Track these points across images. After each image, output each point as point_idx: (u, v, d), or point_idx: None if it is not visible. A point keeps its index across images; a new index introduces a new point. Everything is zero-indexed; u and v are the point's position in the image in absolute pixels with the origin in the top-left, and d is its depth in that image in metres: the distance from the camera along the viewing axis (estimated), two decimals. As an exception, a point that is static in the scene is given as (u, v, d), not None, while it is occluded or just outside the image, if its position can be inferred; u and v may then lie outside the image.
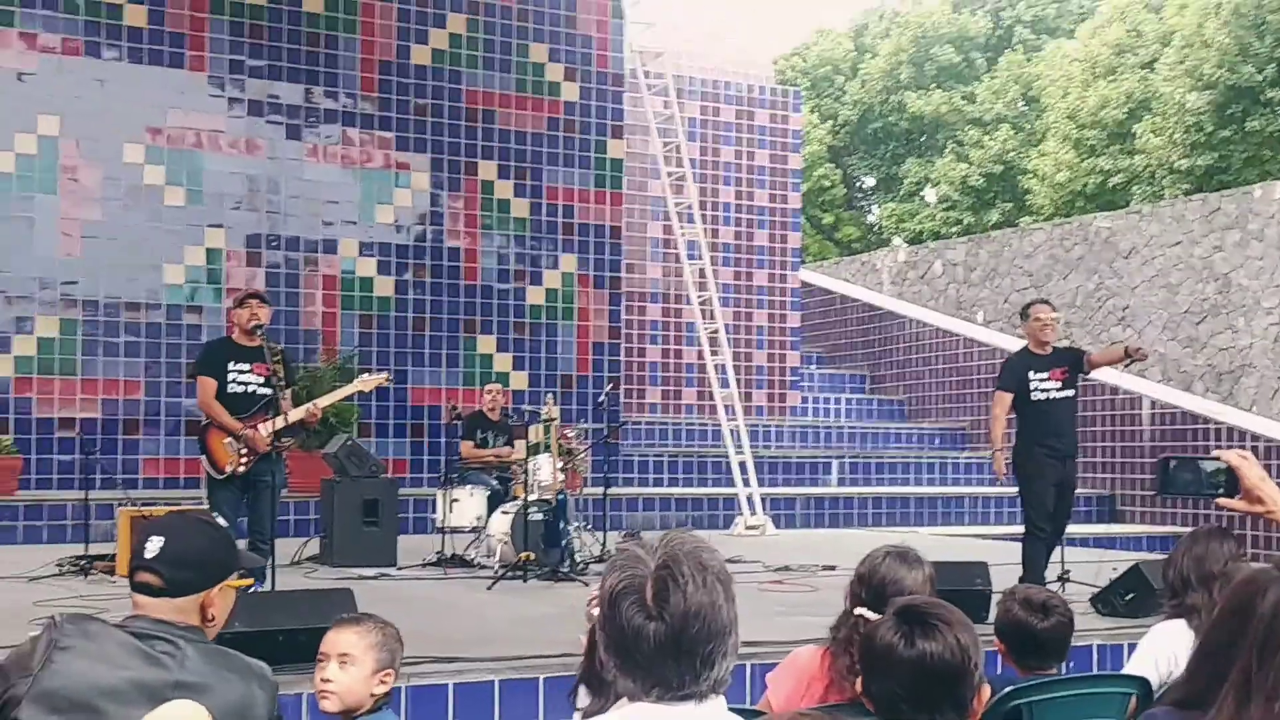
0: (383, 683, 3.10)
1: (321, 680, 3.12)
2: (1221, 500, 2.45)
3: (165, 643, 2.52)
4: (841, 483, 15.43)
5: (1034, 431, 7.64)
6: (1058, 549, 8.05)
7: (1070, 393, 7.68)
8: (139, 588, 2.60)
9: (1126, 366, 7.98)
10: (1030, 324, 7.77)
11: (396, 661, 3.17)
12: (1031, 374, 7.63)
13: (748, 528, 12.94)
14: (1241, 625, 1.99)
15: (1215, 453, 2.50)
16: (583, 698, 3.17)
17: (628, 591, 1.81)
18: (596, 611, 3.29)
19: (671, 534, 1.86)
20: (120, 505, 8.99)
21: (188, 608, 2.60)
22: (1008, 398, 7.72)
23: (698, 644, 1.79)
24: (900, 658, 2.27)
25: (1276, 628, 1.94)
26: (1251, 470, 2.41)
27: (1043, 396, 7.61)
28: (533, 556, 8.47)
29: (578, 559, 8.91)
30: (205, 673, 2.53)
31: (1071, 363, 7.78)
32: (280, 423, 7.07)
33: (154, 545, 2.59)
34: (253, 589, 7.02)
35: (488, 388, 11.36)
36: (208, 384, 7.26)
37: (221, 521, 7.04)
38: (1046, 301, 8.15)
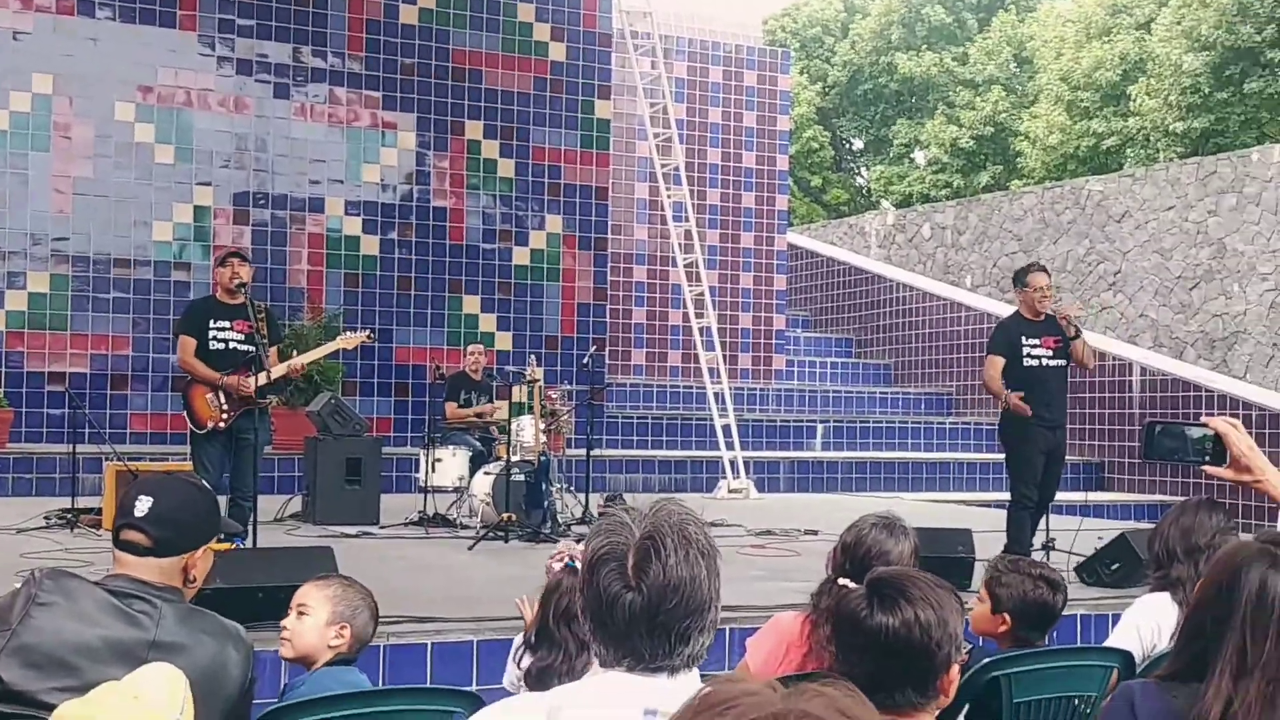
0: (339, 635, 3.17)
1: (282, 627, 3.26)
2: (1208, 468, 2.41)
3: (143, 602, 2.53)
4: (826, 447, 15.44)
5: (1024, 399, 7.43)
6: (1043, 518, 8.05)
7: (1062, 362, 7.52)
8: (124, 546, 2.60)
9: (1076, 340, 7.54)
10: (1026, 292, 7.54)
11: (359, 620, 3.22)
12: (1024, 339, 7.47)
13: (731, 491, 12.96)
14: (1227, 603, 2.00)
15: (1204, 419, 2.45)
16: (526, 659, 3.17)
17: (609, 558, 1.79)
18: (558, 566, 3.29)
19: (661, 503, 1.84)
20: (107, 460, 9.00)
21: (170, 569, 2.62)
22: (1000, 361, 7.52)
23: (674, 619, 1.77)
24: (860, 629, 2.21)
25: (1264, 605, 1.96)
26: (1240, 438, 2.38)
27: (1034, 363, 7.45)
28: (514, 517, 8.47)
29: (559, 520, 8.90)
30: (181, 633, 2.54)
31: (1063, 335, 7.57)
32: (263, 378, 7.05)
33: (143, 505, 2.60)
34: (235, 545, 7.04)
35: (470, 349, 11.41)
36: (187, 342, 7.29)
37: (205, 482, 7.08)
38: (1043, 269, 7.79)
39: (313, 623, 3.18)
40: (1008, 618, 3.51)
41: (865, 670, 2.21)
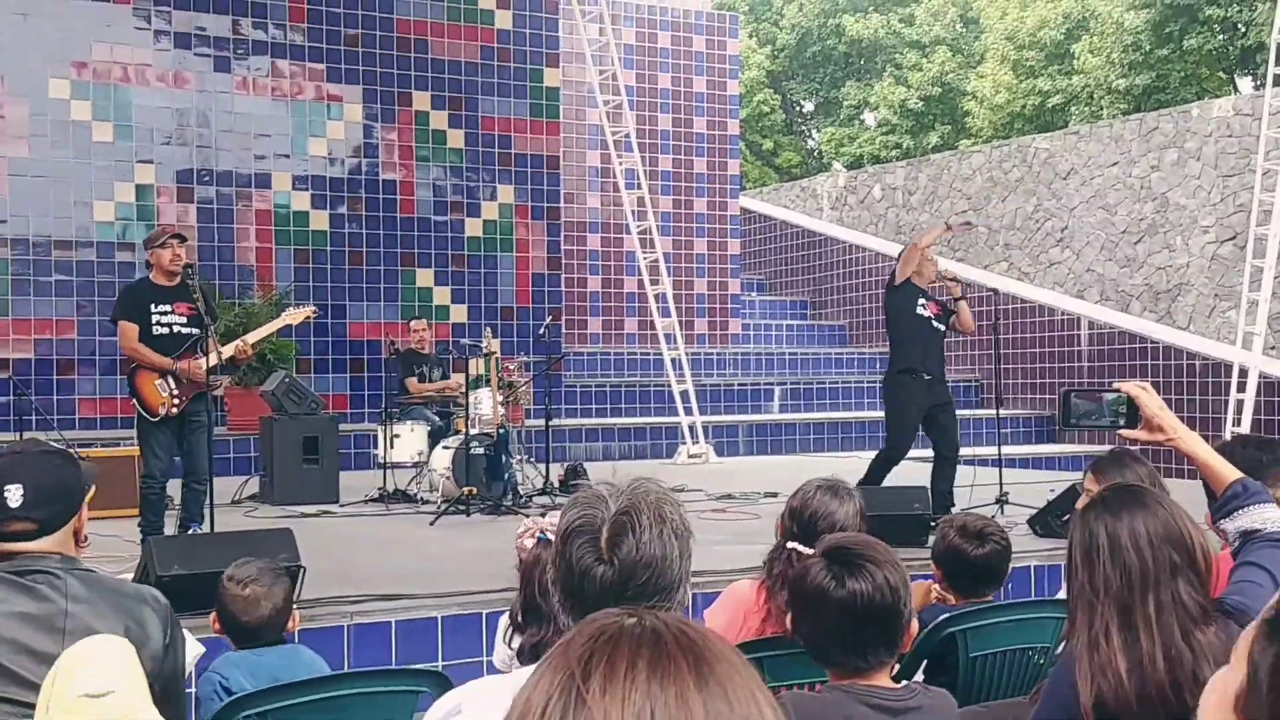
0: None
1: None
2: (1123, 431, 2.49)
3: (45, 575, 2.52)
4: (783, 409, 15.52)
5: (905, 349, 8.07)
6: (994, 470, 8.18)
7: (942, 328, 8.13)
8: (12, 538, 2.57)
9: (962, 302, 8.16)
10: (924, 264, 8.12)
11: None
12: (919, 297, 8.09)
13: (690, 456, 13.01)
14: (1070, 559, 2.28)
15: (1115, 385, 2.54)
16: (516, 639, 3.17)
17: (583, 530, 1.80)
18: (529, 543, 3.30)
19: (639, 481, 1.85)
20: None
21: (62, 541, 2.61)
22: (909, 266, 8.06)
23: (642, 595, 1.77)
24: (832, 600, 2.26)
25: (1088, 540, 2.23)
26: (1150, 400, 2.46)
27: (924, 314, 8.04)
28: (475, 491, 8.47)
29: (520, 492, 8.91)
30: (91, 598, 2.53)
31: (945, 308, 8.22)
32: (213, 359, 6.95)
33: (14, 493, 2.56)
34: (191, 530, 6.99)
35: (413, 325, 11.29)
36: (129, 328, 7.07)
37: (71, 453, 6.95)
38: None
39: None
40: (934, 566, 3.62)
41: (836, 638, 2.25)
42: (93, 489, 2.73)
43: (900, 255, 8.27)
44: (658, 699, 0.87)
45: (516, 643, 3.14)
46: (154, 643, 2.57)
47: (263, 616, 3.34)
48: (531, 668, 1.84)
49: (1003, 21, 27.03)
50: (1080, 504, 2.29)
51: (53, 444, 2.82)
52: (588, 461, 11.66)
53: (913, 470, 11.02)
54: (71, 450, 2.83)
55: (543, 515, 3.69)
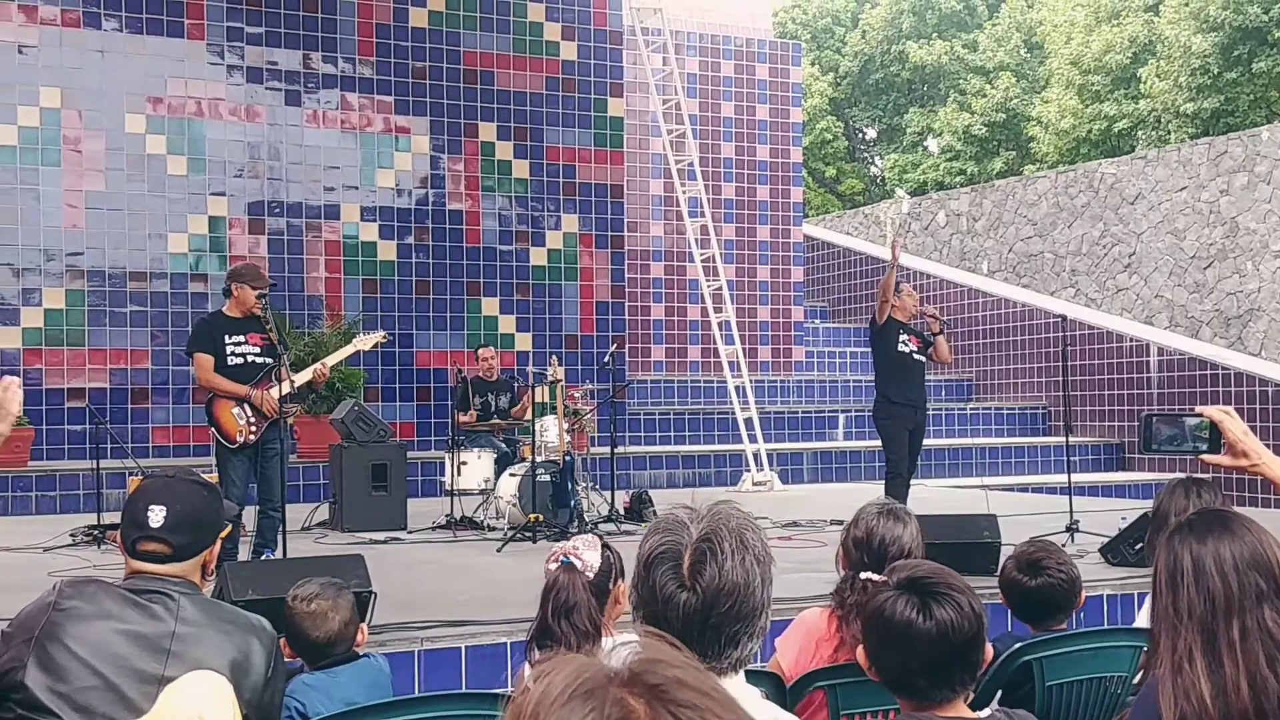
0: None
1: None
2: (1206, 456, 2.45)
3: (160, 596, 2.56)
4: (848, 436, 15.44)
5: (892, 382, 8.94)
6: (1064, 498, 8.10)
7: (922, 359, 9.02)
8: (144, 556, 2.62)
9: (939, 337, 9.05)
10: (904, 299, 8.97)
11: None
12: (900, 334, 8.94)
13: (755, 484, 12.98)
14: (1155, 585, 2.15)
15: (1198, 409, 2.50)
16: (536, 655, 3.19)
17: (665, 557, 1.79)
18: (553, 566, 3.32)
19: (719, 505, 1.83)
20: (131, 474, 9.03)
21: (190, 569, 2.65)
22: (886, 314, 8.96)
23: (725, 622, 1.76)
24: (920, 631, 2.22)
25: (1173, 565, 2.10)
26: (1234, 424, 2.42)
27: (905, 350, 8.91)
28: (541, 517, 8.51)
29: (586, 519, 8.94)
30: (202, 623, 2.57)
31: (925, 339, 9.05)
32: (287, 387, 7.06)
33: (157, 514, 2.61)
34: (264, 556, 7.09)
35: (481, 353, 11.37)
36: (205, 360, 7.19)
37: (226, 490, 7.09)
38: (908, 283, 9.97)
39: None
40: (1004, 597, 3.59)
41: (925, 669, 2.22)
42: (229, 527, 2.78)
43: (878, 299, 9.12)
44: None
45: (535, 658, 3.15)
46: (256, 674, 2.60)
47: (333, 630, 3.37)
48: None
49: (1068, 46, 26.81)
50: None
51: (201, 476, 2.89)
52: (652, 489, 11.67)
53: (981, 497, 10.90)
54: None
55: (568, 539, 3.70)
